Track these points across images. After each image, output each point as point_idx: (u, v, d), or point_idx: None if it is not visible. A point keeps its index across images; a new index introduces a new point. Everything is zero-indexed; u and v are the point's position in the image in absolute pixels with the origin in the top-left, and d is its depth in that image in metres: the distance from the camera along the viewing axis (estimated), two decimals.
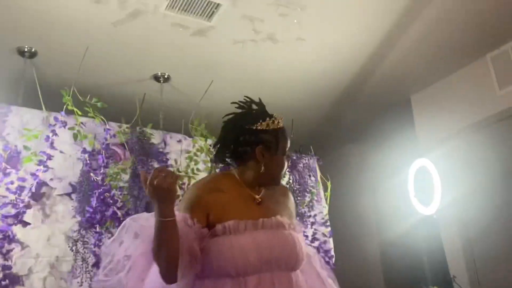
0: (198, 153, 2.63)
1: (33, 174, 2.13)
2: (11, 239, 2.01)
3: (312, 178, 2.76)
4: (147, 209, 2.21)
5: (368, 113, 3.75)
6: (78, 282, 2.10)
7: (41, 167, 2.12)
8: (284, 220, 1.51)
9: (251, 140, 1.54)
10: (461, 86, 3.12)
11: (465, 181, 2.78)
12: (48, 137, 2.20)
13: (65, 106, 2.29)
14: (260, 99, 1.61)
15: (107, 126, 2.42)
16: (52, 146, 2.21)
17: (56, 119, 2.27)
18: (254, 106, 1.60)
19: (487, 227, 2.77)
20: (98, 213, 2.11)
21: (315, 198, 2.75)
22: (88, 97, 2.31)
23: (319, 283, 1.61)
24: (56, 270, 2.11)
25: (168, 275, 1.32)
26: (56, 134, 2.22)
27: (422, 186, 2.68)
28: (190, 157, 2.60)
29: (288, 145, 1.60)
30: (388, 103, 3.61)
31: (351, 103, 3.60)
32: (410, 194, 2.70)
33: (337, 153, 4.18)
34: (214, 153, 1.63)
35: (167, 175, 1.24)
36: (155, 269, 1.36)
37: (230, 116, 1.60)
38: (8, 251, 2.01)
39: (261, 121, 1.55)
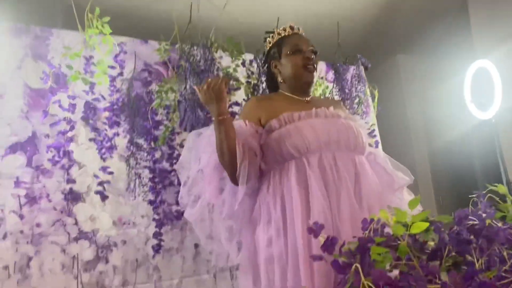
0: (238, 68, 2.56)
1: (80, 94, 2.16)
2: (70, 155, 2.08)
3: (359, 87, 2.64)
4: (193, 125, 2.22)
5: (419, 19, 3.49)
6: (132, 197, 2.18)
7: (87, 87, 2.13)
8: (339, 111, 1.53)
9: (267, 64, 1.76)
10: None
11: None
12: (88, 58, 2.19)
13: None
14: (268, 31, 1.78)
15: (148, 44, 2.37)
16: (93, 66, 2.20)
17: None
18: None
19: None
20: (149, 131, 2.13)
21: (363, 109, 2.65)
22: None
23: (385, 173, 1.61)
24: (112, 187, 2.19)
25: (234, 172, 1.45)
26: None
27: (479, 90, 2.51)
28: (227, 71, 2.53)
29: (295, 44, 1.64)
30: (442, 5, 3.34)
31: (401, 9, 3.34)
32: (466, 99, 2.54)
33: (386, 64, 3.99)
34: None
35: (217, 80, 1.45)
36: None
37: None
38: (70, 166, 2.10)
39: (265, 43, 1.76)
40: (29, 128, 2.09)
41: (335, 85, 2.69)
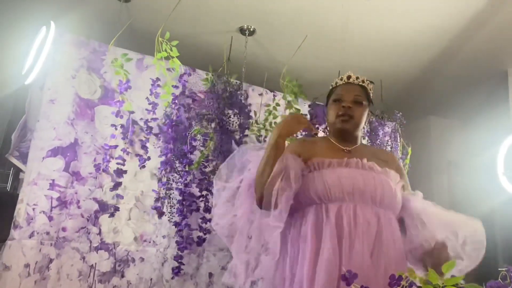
0: (277, 107, 2.64)
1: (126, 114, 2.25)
2: (106, 166, 2.15)
3: (393, 143, 2.67)
4: (226, 156, 2.27)
5: (457, 85, 3.54)
6: (160, 218, 2.22)
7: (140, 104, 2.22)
8: (374, 165, 1.52)
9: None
10: None
11: None
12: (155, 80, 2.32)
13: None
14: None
15: (196, 73, 2.47)
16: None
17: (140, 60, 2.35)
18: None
19: None
20: (185, 154, 2.19)
21: (405, 173, 2.66)
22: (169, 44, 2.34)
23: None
24: (140, 203, 2.24)
25: (267, 194, 1.45)
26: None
27: None
28: (269, 111, 2.61)
29: (340, 94, 1.68)
30: (481, 75, 3.38)
31: (441, 73, 3.40)
32: (498, 171, 2.54)
33: (418, 124, 4.01)
34: None
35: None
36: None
37: None
38: (104, 177, 2.16)
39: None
40: (72, 135, 2.18)
41: (367, 139, 2.73)
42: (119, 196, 2.18)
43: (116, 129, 2.21)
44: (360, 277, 1.29)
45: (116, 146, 2.20)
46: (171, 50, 2.26)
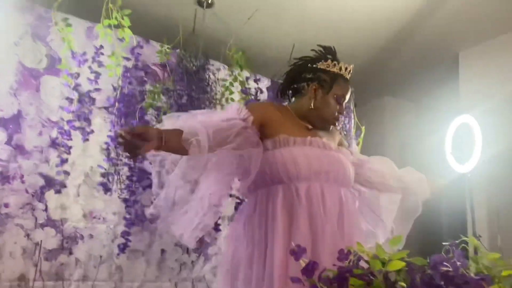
0: (234, 83, 2.59)
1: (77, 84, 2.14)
2: (52, 139, 2.05)
3: (346, 120, 2.70)
4: None
5: (411, 66, 3.61)
6: (109, 193, 2.15)
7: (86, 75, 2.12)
8: (332, 144, 1.55)
9: (309, 77, 1.64)
10: None
11: (507, 140, 2.72)
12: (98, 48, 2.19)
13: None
14: (333, 47, 1.69)
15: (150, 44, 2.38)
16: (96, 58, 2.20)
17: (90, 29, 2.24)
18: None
19: None
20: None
21: (346, 143, 2.70)
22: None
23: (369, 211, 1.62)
24: (90, 179, 2.16)
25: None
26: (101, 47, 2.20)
27: (460, 144, 2.60)
28: (225, 86, 2.56)
29: (344, 93, 1.64)
30: (435, 57, 3.47)
31: (397, 53, 3.46)
32: (446, 151, 2.62)
33: (373, 104, 4.08)
34: (279, 87, 1.72)
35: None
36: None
37: (304, 56, 1.69)
38: (50, 151, 2.06)
39: (323, 61, 1.65)
40: (15, 106, 2.06)
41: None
42: (66, 173, 2.09)
43: (62, 98, 2.10)
44: (333, 257, 1.30)
45: (57, 118, 2.10)
46: (122, 19, 2.15)
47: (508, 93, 2.86)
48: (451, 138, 2.63)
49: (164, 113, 2.23)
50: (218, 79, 2.61)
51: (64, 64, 2.10)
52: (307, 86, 1.63)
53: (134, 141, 1.19)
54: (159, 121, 2.26)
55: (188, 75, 2.32)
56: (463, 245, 1.17)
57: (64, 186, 2.07)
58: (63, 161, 2.08)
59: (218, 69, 2.63)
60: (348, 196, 1.54)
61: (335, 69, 1.63)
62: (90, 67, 2.17)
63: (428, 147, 3.36)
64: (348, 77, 1.66)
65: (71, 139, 2.10)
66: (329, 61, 1.65)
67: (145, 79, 2.30)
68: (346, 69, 1.66)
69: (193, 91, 2.39)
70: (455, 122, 2.66)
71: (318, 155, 1.50)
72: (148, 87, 2.28)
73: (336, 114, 1.63)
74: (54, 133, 2.08)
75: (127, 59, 2.26)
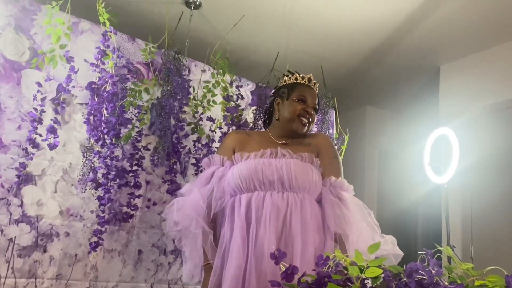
0: (217, 85, 2.58)
1: (56, 76, 2.11)
2: (30, 134, 2.01)
3: (328, 129, 2.72)
4: (163, 131, 2.21)
5: (393, 77, 3.68)
6: (82, 190, 2.12)
7: (66, 70, 2.08)
8: (288, 152, 1.64)
9: (273, 98, 1.85)
10: (494, 62, 3.04)
11: (483, 154, 2.80)
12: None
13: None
14: (293, 71, 1.87)
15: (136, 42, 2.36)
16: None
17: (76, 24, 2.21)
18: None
19: (492, 205, 2.79)
20: (114, 127, 2.09)
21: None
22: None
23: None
24: (68, 176, 2.13)
25: None
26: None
27: (438, 156, 2.66)
28: (207, 88, 2.54)
29: (304, 94, 1.76)
30: (416, 69, 3.54)
31: (379, 64, 3.52)
32: (424, 162, 2.68)
33: (354, 112, 4.14)
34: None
35: None
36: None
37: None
38: (28, 145, 2.02)
39: (280, 80, 1.85)
40: None
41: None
42: (44, 169, 2.05)
43: (43, 93, 2.06)
44: (266, 261, 1.39)
45: (37, 113, 2.05)
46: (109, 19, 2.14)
47: (485, 107, 2.95)
48: (429, 149, 2.69)
49: (145, 112, 2.21)
50: (201, 81, 2.60)
51: (47, 58, 2.07)
52: (273, 106, 1.83)
53: None
54: (140, 120, 2.24)
55: (172, 75, 2.30)
56: (438, 254, 1.20)
57: (42, 182, 2.03)
58: (41, 157, 2.04)
59: (203, 70, 2.62)
60: (303, 198, 1.57)
61: (291, 81, 1.80)
62: (71, 62, 2.14)
63: (406, 158, 3.43)
64: (308, 84, 1.81)
65: (51, 135, 2.05)
66: (286, 77, 1.84)
67: (128, 77, 2.28)
68: (303, 78, 1.79)
69: (176, 91, 2.36)
70: (434, 134, 2.72)
71: (264, 165, 1.59)
72: (130, 85, 2.26)
73: (299, 111, 1.72)
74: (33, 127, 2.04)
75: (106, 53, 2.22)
